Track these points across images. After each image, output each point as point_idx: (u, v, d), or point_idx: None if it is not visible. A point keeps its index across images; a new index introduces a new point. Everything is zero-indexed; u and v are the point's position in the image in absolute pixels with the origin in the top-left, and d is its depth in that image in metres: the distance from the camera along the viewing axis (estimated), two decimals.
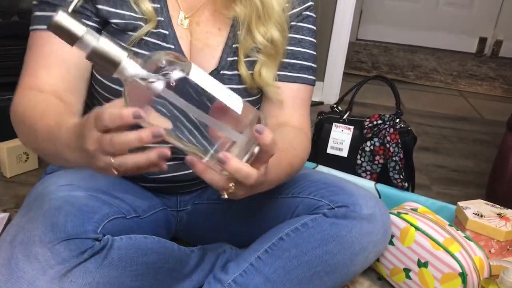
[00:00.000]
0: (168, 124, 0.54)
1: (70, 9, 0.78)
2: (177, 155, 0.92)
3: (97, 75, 0.86)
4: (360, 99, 1.99)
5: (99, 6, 0.81)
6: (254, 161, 0.59)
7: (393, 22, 3.63)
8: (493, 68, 3.34)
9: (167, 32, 0.85)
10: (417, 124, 2.19)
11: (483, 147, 2.03)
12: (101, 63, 0.54)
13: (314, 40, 0.95)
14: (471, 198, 1.41)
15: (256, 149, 0.58)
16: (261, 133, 0.56)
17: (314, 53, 0.95)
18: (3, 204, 1.29)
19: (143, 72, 0.54)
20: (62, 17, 0.53)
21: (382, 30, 3.66)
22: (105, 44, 0.53)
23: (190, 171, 0.94)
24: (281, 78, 0.91)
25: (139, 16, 0.82)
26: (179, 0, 0.86)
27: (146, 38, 0.83)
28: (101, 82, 0.86)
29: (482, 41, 3.63)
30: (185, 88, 0.54)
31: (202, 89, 0.54)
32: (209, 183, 0.61)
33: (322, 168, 1.35)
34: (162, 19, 0.84)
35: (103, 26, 0.83)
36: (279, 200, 0.97)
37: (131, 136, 0.53)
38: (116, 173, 0.57)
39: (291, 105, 0.92)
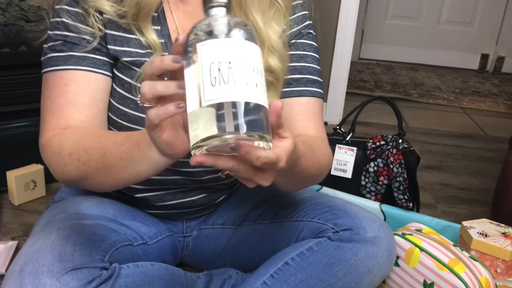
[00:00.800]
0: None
1: (87, 50, 0.82)
2: (183, 186, 0.94)
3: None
4: (364, 118, 2.01)
5: (109, 46, 0.83)
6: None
7: (394, 41, 3.67)
8: (496, 84, 3.35)
9: None
10: (421, 143, 2.20)
11: (488, 164, 2.03)
12: None
13: (317, 56, 0.96)
14: (477, 216, 1.42)
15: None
16: (236, 149, 0.54)
17: (318, 67, 0.95)
18: (11, 232, 1.30)
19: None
20: None
21: (384, 49, 3.69)
22: None
23: (196, 197, 0.97)
24: (288, 94, 0.91)
25: (145, 51, 0.84)
26: (181, 33, 0.88)
27: None
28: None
29: (484, 57, 3.65)
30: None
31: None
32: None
33: (326, 190, 1.36)
34: (167, 53, 0.86)
35: (115, 62, 0.85)
36: (284, 224, 0.98)
37: (157, 58, 0.58)
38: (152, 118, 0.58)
39: (303, 118, 0.91)
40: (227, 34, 0.55)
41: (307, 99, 0.93)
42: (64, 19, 0.81)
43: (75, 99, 0.81)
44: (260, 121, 0.54)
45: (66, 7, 0.82)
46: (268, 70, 0.86)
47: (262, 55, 0.81)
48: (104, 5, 0.81)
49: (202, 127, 0.53)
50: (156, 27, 0.85)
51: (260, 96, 0.54)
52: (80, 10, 0.81)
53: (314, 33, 0.96)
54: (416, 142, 2.18)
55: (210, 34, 0.55)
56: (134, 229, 0.93)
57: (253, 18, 0.83)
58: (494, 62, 3.64)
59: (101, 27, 0.82)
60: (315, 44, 0.96)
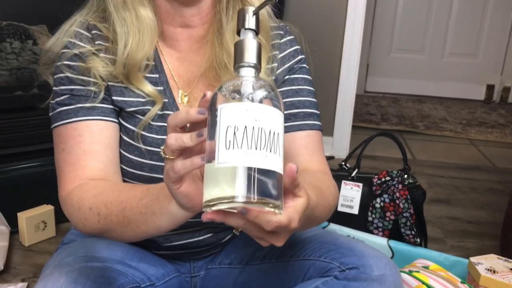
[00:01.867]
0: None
1: (93, 103, 0.84)
2: (191, 228, 0.95)
3: None
4: (370, 152, 2.02)
5: (113, 97, 0.86)
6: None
7: (400, 74, 3.71)
8: (503, 114, 3.36)
9: (172, 113, 0.89)
10: (428, 176, 2.20)
11: (497, 197, 2.02)
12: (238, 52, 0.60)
13: (312, 89, 0.97)
14: (486, 250, 1.40)
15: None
16: (244, 214, 0.55)
17: (314, 100, 0.97)
18: (21, 274, 1.31)
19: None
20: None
21: (389, 82, 3.73)
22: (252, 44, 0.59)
23: (203, 237, 0.98)
24: (287, 129, 0.92)
25: (145, 100, 0.87)
26: (176, 79, 0.91)
27: (154, 123, 0.87)
28: None
29: (490, 88, 3.67)
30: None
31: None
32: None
33: (333, 226, 1.37)
34: (167, 100, 0.89)
35: (120, 111, 0.88)
36: (290, 263, 0.98)
37: (182, 110, 0.59)
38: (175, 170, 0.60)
39: (305, 152, 0.93)
40: (249, 97, 0.56)
41: (307, 133, 0.94)
42: (67, 74, 0.85)
43: (91, 148, 0.83)
44: (271, 186, 0.54)
45: (68, 62, 0.85)
46: None
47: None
48: (99, 68, 0.84)
49: (213, 187, 0.54)
50: (154, 75, 0.89)
51: (273, 161, 0.55)
52: (82, 64, 0.85)
53: (307, 66, 0.98)
54: (424, 175, 2.18)
55: (234, 95, 0.56)
56: (142, 271, 0.94)
57: None
58: (500, 92, 3.66)
59: (104, 77, 0.85)
60: (309, 77, 0.98)
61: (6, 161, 1.57)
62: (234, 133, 0.54)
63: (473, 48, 3.64)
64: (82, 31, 0.87)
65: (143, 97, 0.87)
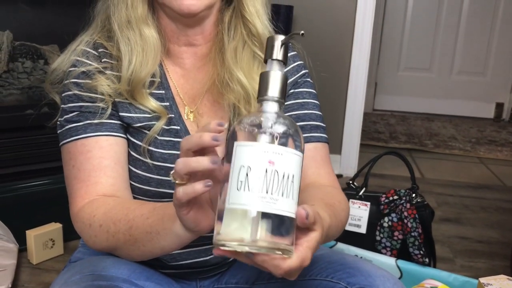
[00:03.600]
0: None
1: (101, 119, 0.85)
2: (196, 243, 0.95)
3: None
4: (379, 170, 2.01)
5: (120, 114, 0.88)
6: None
7: (408, 92, 3.71)
8: None
9: (178, 127, 0.90)
10: (437, 194, 2.18)
11: (507, 216, 2.00)
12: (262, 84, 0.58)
13: (317, 102, 0.98)
14: (497, 270, 1.39)
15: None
16: (251, 258, 0.55)
17: (320, 113, 0.97)
18: None
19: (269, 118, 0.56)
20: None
21: (398, 100, 3.73)
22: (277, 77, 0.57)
23: (209, 257, 0.98)
24: None
25: (151, 115, 0.88)
26: (182, 96, 0.93)
27: (161, 138, 0.88)
28: None
29: (499, 106, 3.66)
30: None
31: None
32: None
33: (341, 246, 1.36)
34: (173, 115, 0.90)
35: (128, 126, 0.89)
36: (297, 283, 0.97)
37: (196, 134, 0.59)
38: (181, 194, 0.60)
39: (313, 164, 0.93)
40: (268, 135, 0.54)
41: (314, 145, 0.95)
42: (75, 92, 0.86)
43: (101, 163, 0.84)
44: (281, 231, 0.53)
45: (75, 80, 0.86)
46: None
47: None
48: (104, 85, 0.86)
49: (224, 225, 0.54)
50: (161, 91, 0.90)
51: (284, 206, 0.53)
52: (89, 81, 0.86)
53: (311, 81, 0.99)
54: (433, 194, 2.17)
55: (253, 129, 0.55)
56: None
57: (236, 74, 0.88)
58: (509, 110, 3.65)
59: (111, 94, 0.86)
60: (313, 91, 0.98)
61: (16, 179, 1.58)
62: (247, 174, 0.52)
63: (481, 66, 3.64)
64: (89, 49, 0.89)
65: (149, 113, 0.88)
